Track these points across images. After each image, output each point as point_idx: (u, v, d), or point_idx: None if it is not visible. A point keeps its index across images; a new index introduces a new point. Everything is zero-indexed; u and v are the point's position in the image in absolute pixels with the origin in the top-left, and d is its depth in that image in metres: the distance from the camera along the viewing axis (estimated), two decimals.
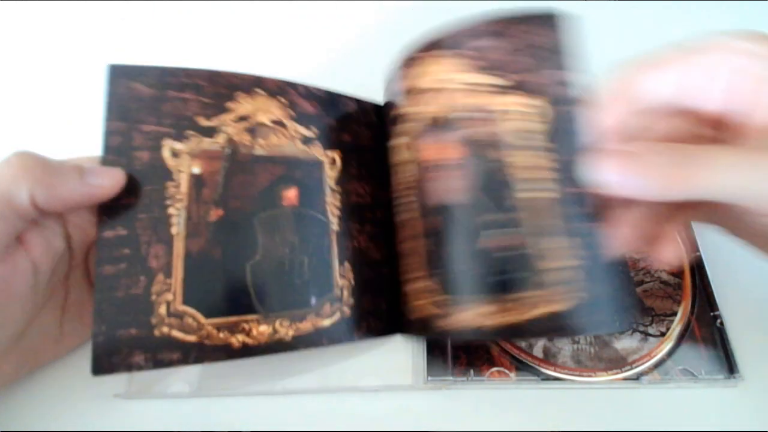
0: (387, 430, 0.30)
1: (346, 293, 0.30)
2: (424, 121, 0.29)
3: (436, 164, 0.28)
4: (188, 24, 0.47)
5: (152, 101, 0.28)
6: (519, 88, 0.27)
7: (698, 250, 0.36)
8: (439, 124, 0.28)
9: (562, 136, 0.26)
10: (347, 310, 0.30)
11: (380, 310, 0.31)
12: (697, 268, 0.35)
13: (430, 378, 0.31)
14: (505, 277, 0.26)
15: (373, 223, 0.33)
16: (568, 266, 0.25)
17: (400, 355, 0.32)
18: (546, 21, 0.27)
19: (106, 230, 0.26)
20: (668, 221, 0.27)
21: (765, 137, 0.24)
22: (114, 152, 0.27)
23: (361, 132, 0.34)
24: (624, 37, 0.48)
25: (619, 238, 0.26)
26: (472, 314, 0.27)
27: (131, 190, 0.27)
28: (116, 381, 0.30)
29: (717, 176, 0.22)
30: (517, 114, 0.27)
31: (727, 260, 0.35)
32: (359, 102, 0.35)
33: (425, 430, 0.30)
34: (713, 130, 0.26)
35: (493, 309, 0.26)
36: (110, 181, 0.26)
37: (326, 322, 0.29)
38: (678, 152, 0.23)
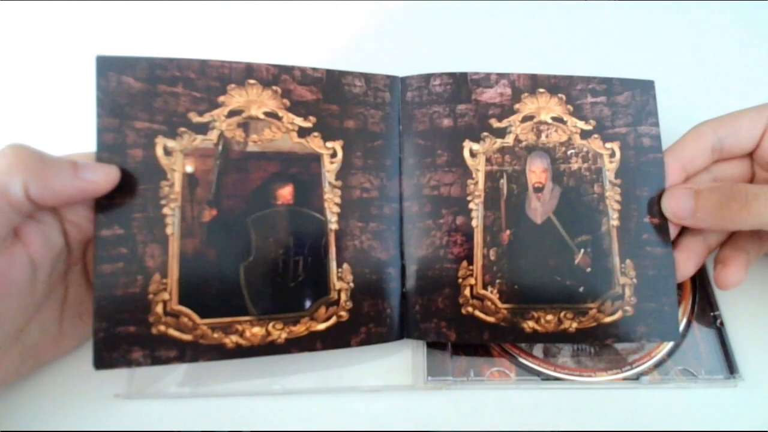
0: (387, 430, 0.30)
1: (343, 296, 0.30)
2: (521, 145, 0.32)
3: (534, 186, 0.32)
4: (187, 26, 0.47)
5: (143, 96, 0.28)
6: (596, 132, 0.33)
7: None
8: (534, 151, 0.32)
9: (628, 174, 0.32)
10: (344, 315, 0.29)
11: (383, 315, 0.30)
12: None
13: (430, 378, 0.31)
14: (585, 289, 0.31)
15: (380, 219, 0.31)
16: (623, 284, 0.31)
17: (400, 355, 0.32)
18: (634, 85, 0.33)
19: (103, 229, 0.27)
20: (737, 248, 0.32)
21: None
22: (108, 150, 0.27)
23: (369, 115, 0.32)
24: (624, 37, 0.48)
25: (683, 262, 0.31)
26: (545, 321, 0.31)
27: (126, 188, 0.27)
28: (116, 381, 0.30)
29: (762, 209, 0.27)
30: (594, 153, 0.33)
31: None
32: (368, 78, 0.32)
33: (425, 430, 0.30)
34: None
35: (570, 315, 0.31)
36: (104, 177, 0.26)
37: (321, 327, 0.29)
38: (731, 189, 0.28)
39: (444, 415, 0.31)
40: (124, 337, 0.26)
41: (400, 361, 0.32)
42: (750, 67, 0.47)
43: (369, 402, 0.31)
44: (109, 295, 0.26)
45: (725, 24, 0.49)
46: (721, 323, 0.33)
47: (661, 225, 0.32)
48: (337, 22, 0.47)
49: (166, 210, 0.28)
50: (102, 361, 0.26)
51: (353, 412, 0.30)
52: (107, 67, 0.28)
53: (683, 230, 0.32)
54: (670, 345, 0.32)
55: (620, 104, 0.33)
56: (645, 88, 0.33)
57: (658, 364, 0.32)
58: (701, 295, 0.34)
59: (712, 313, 0.34)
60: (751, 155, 0.32)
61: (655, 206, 0.32)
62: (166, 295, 0.27)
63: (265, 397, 0.31)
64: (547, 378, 0.31)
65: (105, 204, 0.27)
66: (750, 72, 0.46)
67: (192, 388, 0.30)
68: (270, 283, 0.29)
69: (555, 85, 0.33)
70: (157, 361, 0.27)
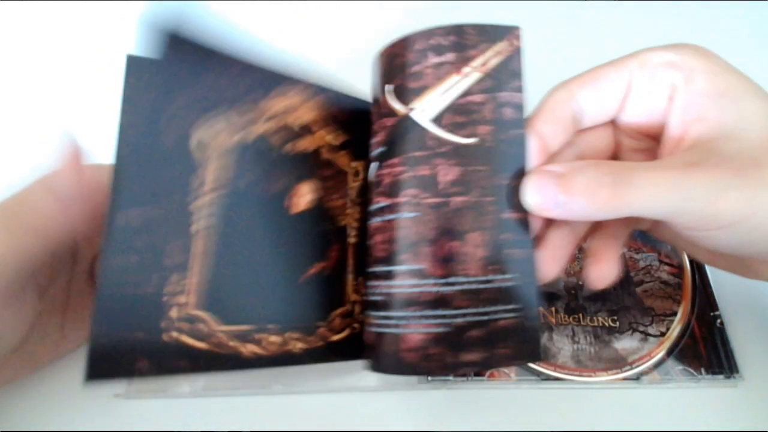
0: (387, 430, 0.30)
1: (358, 308, 0.30)
2: None
3: None
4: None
5: (180, 88, 0.26)
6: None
7: None
8: None
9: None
10: (358, 326, 0.30)
11: None
12: (697, 268, 0.35)
13: (430, 378, 0.31)
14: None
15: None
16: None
17: None
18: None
19: (118, 217, 0.24)
20: (608, 236, 0.27)
21: (680, 149, 0.24)
22: (135, 131, 0.25)
23: None
24: (624, 37, 0.48)
25: (549, 260, 0.26)
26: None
27: (152, 178, 0.25)
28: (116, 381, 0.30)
29: (641, 196, 0.22)
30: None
31: None
32: None
33: (425, 430, 0.30)
34: (644, 142, 0.27)
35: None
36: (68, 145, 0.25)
37: (336, 337, 0.29)
38: (602, 170, 0.22)
39: (444, 415, 0.31)
40: (130, 343, 0.23)
41: None
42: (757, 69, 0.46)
43: (369, 402, 0.31)
44: (117, 293, 0.23)
45: (731, 24, 0.49)
46: (721, 323, 0.33)
47: (523, 220, 0.25)
48: (346, 24, 0.47)
49: (192, 207, 0.26)
50: (99, 371, 0.22)
51: (353, 412, 0.30)
52: (137, 65, 0.26)
53: (548, 222, 0.27)
54: (669, 344, 0.32)
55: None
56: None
57: (658, 364, 0.32)
58: (701, 295, 0.34)
59: (712, 313, 0.34)
60: (613, 122, 0.27)
61: (515, 197, 0.25)
62: (182, 298, 0.25)
63: (265, 397, 0.31)
64: (547, 378, 0.31)
65: (124, 190, 0.24)
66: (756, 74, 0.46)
67: (192, 388, 0.30)
68: (291, 291, 0.29)
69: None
70: (164, 371, 0.24)
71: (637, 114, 0.26)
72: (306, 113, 0.30)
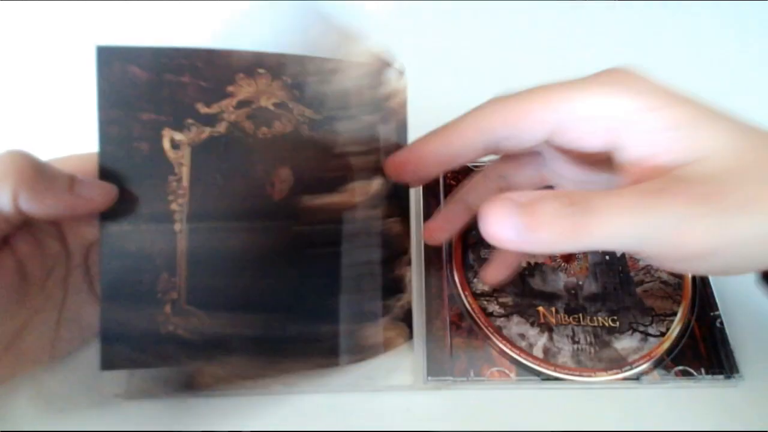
0: (387, 430, 0.30)
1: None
2: None
3: None
4: (183, 21, 0.47)
5: (149, 86, 0.27)
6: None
7: None
8: None
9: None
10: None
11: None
12: None
13: (430, 378, 0.31)
14: None
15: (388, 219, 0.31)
16: None
17: (400, 355, 0.32)
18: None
19: (110, 225, 0.26)
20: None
21: (644, 178, 0.22)
22: (113, 143, 0.26)
23: None
24: (624, 37, 0.48)
25: (493, 273, 0.32)
26: None
27: (134, 183, 0.26)
28: (116, 381, 0.30)
29: (604, 226, 0.20)
30: None
31: None
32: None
33: (425, 430, 0.30)
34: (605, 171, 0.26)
35: None
36: (101, 196, 0.25)
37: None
38: (565, 201, 0.20)
39: (444, 415, 0.31)
40: (133, 336, 0.26)
41: (399, 361, 0.32)
42: (757, 69, 0.46)
43: (369, 402, 0.31)
44: (117, 293, 0.26)
45: (731, 24, 0.49)
46: (721, 323, 0.33)
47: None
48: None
49: (174, 206, 0.27)
50: (109, 362, 0.25)
51: (353, 412, 0.30)
52: (110, 57, 0.26)
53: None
54: (669, 344, 0.32)
55: None
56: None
57: (658, 364, 0.32)
58: (701, 295, 0.34)
59: (712, 313, 0.34)
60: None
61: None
62: (174, 294, 0.26)
63: (265, 397, 0.31)
64: (547, 378, 0.31)
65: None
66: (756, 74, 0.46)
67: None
68: (277, 283, 0.29)
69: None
70: (165, 361, 0.26)
71: (577, 147, 0.24)
72: (280, 90, 0.29)
